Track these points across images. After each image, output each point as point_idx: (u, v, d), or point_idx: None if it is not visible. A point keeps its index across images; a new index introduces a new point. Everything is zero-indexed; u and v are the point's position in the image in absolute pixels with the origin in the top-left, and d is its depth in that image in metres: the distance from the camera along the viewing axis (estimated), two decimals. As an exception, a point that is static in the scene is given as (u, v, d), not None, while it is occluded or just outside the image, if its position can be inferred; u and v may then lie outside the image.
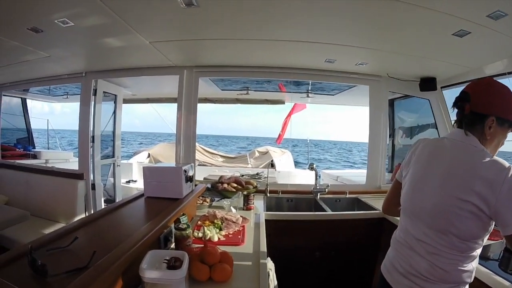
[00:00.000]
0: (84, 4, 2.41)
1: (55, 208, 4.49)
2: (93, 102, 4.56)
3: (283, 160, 8.81)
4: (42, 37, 3.05)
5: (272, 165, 8.45)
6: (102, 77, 4.58)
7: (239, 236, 2.34)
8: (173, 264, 1.41)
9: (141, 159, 8.78)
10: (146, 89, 6.39)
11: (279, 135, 9.27)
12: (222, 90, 5.79)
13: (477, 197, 1.28)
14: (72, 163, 7.43)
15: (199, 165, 8.54)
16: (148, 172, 2.39)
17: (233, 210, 2.98)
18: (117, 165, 5.27)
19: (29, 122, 7.93)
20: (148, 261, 1.42)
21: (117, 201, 5.11)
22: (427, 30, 2.62)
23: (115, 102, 5.25)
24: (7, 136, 6.95)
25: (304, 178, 7.29)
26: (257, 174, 5.21)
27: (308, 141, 10.38)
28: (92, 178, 4.58)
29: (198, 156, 9.04)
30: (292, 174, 7.65)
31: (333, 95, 5.90)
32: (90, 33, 3.01)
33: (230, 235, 2.35)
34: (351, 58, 3.64)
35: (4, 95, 6.05)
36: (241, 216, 2.66)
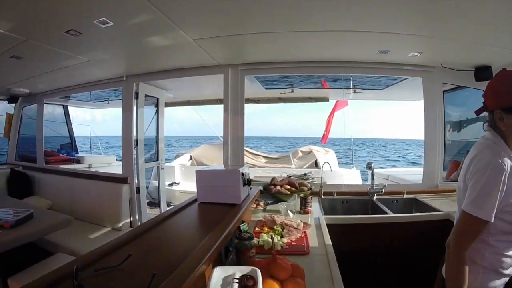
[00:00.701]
0: (125, 1, 2.29)
1: (99, 212, 4.49)
2: (135, 106, 4.50)
3: (327, 159, 8.53)
4: (81, 41, 2.98)
5: (316, 164, 8.18)
6: (143, 80, 4.52)
7: (303, 244, 2.14)
8: (246, 284, 1.23)
9: (183, 161, 8.73)
10: (187, 92, 6.30)
11: (324, 134, 9.00)
12: (266, 89, 5.57)
13: None
14: (115, 167, 7.50)
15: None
16: (202, 176, 2.21)
17: (291, 214, 2.78)
18: (161, 168, 5.19)
19: (72, 129, 8.07)
20: (216, 280, 1.24)
21: (161, 203, 5.08)
22: (490, 12, 2.35)
23: (156, 106, 5.18)
24: (50, 143, 7.02)
25: (350, 178, 7.02)
26: (305, 174, 4.98)
27: (352, 139, 10.00)
28: (136, 182, 4.52)
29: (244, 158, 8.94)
30: (338, 174, 7.38)
31: (380, 89, 5.59)
32: (131, 32, 2.90)
33: (293, 243, 2.16)
34: (405, 48, 3.38)
35: (46, 103, 6.15)
36: (301, 221, 2.45)
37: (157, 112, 5.19)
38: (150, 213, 4.80)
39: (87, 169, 6.70)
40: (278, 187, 3.30)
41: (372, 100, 7.60)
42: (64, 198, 5.05)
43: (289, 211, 2.82)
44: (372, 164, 3.86)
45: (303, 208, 2.97)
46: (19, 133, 6.82)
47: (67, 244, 3.70)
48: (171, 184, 6.25)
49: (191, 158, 9.02)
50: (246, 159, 8.72)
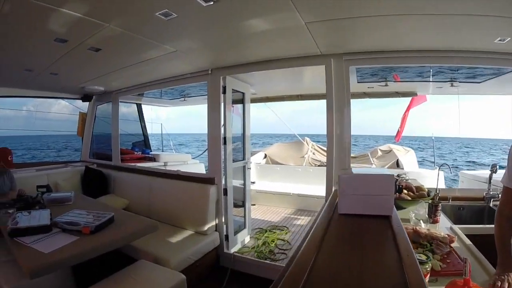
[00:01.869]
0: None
1: (182, 214, 4.37)
2: (222, 102, 4.26)
3: (408, 159, 8.00)
4: (171, 26, 2.74)
5: (397, 165, 7.72)
6: (230, 73, 4.26)
7: (458, 262, 1.81)
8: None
9: (257, 159, 8.56)
10: (270, 87, 6.00)
11: (398, 131, 8.51)
12: (359, 82, 5.18)
13: None
14: (190, 165, 7.56)
15: (319, 165, 8.08)
16: (348, 182, 1.87)
17: (422, 224, 2.40)
18: (248, 168, 4.97)
19: (145, 126, 8.10)
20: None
21: (246, 204, 4.94)
22: None
23: (242, 101, 4.92)
24: (122, 141, 7.01)
25: (434, 179, 6.50)
26: (398, 176, 4.54)
27: (433, 138, 9.37)
28: (224, 183, 4.28)
29: (319, 156, 8.59)
30: (421, 175, 6.85)
31: (479, 82, 4.99)
32: (233, 11, 2.53)
33: (448, 261, 1.83)
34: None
35: (121, 102, 6.14)
36: (446, 234, 2.10)
37: (243, 108, 4.94)
38: (235, 215, 4.56)
39: (162, 167, 6.69)
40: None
41: (470, 94, 6.92)
42: (141, 198, 5.00)
43: (421, 221, 2.45)
44: (497, 166, 3.38)
45: (433, 217, 2.61)
46: (92, 131, 6.94)
47: (149, 250, 3.56)
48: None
49: (265, 157, 8.86)
50: (323, 158, 8.41)
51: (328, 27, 2.83)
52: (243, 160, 4.90)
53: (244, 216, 4.96)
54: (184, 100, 7.09)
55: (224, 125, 4.26)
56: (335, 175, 3.50)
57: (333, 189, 3.33)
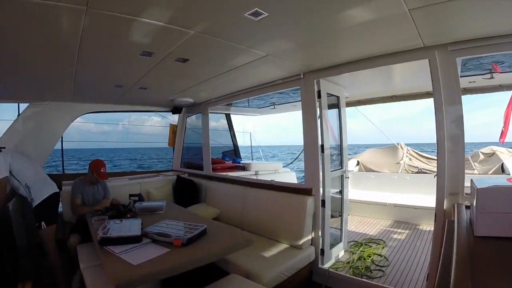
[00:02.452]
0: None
1: (275, 227, 4.16)
2: (318, 107, 3.99)
3: (513, 163, 7.08)
4: (260, 27, 2.52)
5: (502, 170, 6.94)
6: (323, 76, 3.96)
7: None
8: None
9: (350, 167, 8.04)
10: (363, 88, 5.57)
11: (502, 131, 7.55)
12: (462, 77, 4.54)
13: None
14: (281, 174, 7.38)
15: (417, 172, 7.49)
16: (490, 196, 1.51)
17: None
18: (346, 177, 4.67)
19: (234, 136, 8.07)
20: None
21: (343, 215, 4.66)
22: None
23: (338, 105, 4.61)
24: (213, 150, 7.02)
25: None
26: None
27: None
28: (321, 194, 3.99)
29: (416, 162, 7.96)
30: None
31: None
32: (327, 2, 2.22)
33: None
34: None
35: (211, 112, 6.18)
36: None
37: (339, 113, 4.63)
38: (330, 227, 4.24)
39: (253, 176, 6.63)
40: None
41: None
42: (234, 208, 4.89)
43: None
44: None
45: None
46: (183, 142, 7.11)
47: (241, 263, 3.36)
48: (339, 192, 5.65)
49: (358, 164, 8.42)
50: (420, 164, 7.79)
51: (434, 13, 2.39)
52: (340, 168, 4.58)
53: (341, 229, 4.64)
54: (274, 108, 6.91)
55: (321, 132, 3.98)
56: (448, 185, 3.03)
57: (445, 202, 3.00)
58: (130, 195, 4.35)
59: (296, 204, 3.95)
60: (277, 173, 7.39)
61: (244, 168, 7.07)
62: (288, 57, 3.51)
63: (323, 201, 3.99)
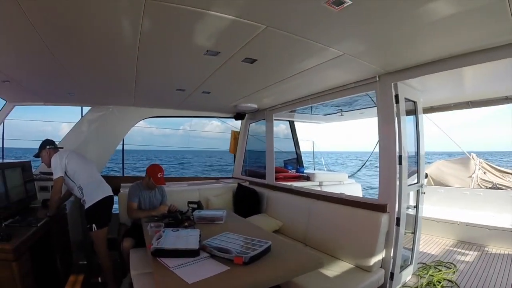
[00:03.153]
0: None
1: (343, 245, 3.78)
2: (395, 114, 3.56)
3: None
4: (342, 19, 2.20)
5: None
6: (401, 78, 3.54)
7: None
8: None
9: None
10: (438, 93, 4.89)
11: None
12: None
13: None
14: (346, 186, 6.99)
15: (491, 188, 6.86)
16: None
17: None
18: (422, 192, 4.19)
19: (298, 144, 7.73)
20: None
21: (416, 234, 4.20)
22: None
23: (414, 112, 4.10)
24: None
25: None
26: None
27: None
28: (397, 210, 3.55)
29: (490, 176, 7.23)
30: None
31: None
32: None
33: None
34: None
35: (275, 119, 5.94)
36: None
37: (416, 120, 4.14)
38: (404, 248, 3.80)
39: (317, 187, 6.24)
40: None
41: None
42: (297, 221, 4.56)
43: None
44: None
45: None
46: (245, 149, 6.93)
47: (303, 283, 3.02)
48: (413, 207, 5.18)
49: (426, 176, 7.72)
50: (495, 179, 7.07)
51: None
52: (417, 183, 4.12)
53: (412, 250, 4.18)
54: (341, 115, 6.52)
55: (399, 141, 3.54)
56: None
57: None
58: (189, 202, 4.22)
59: (368, 222, 3.55)
60: (341, 185, 6.98)
61: (307, 178, 6.70)
62: (365, 57, 3.13)
63: (398, 219, 3.54)
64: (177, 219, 3.56)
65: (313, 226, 4.26)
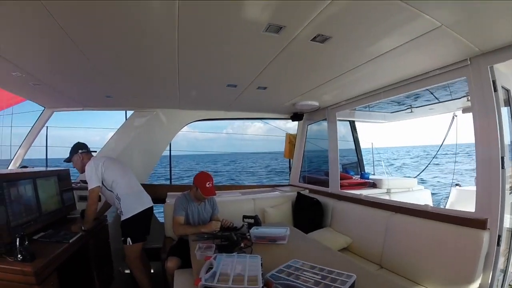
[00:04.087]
0: None
1: (427, 267, 3.18)
2: (495, 104, 2.86)
3: None
4: None
5: None
6: (500, 59, 2.83)
7: None
8: None
9: None
10: None
11: None
12: None
13: None
14: (415, 193, 6.34)
15: None
16: None
17: None
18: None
19: (359, 146, 7.10)
20: None
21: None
22: None
23: (508, 102, 3.25)
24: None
25: None
26: None
27: None
28: (498, 227, 2.85)
29: None
30: None
31: None
32: None
33: None
34: None
35: (339, 120, 5.35)
36: None
37: (511, 113, 3.34)
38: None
39: (384, 195, 5.65)
40: None
41: None
42: (371, 237, 3.95)
43: None
44: None
45: None
46: (304, 153, 6.35)
47: None
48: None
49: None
50: None
51: None
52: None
53: (505, 272, 3.27)
54: (411, 111, 5.85)
55: (500, 139, 2.83)
56: None
57: None
58: (245, 217, 3.73)
59: (463, 241, 2.91)
60: (410, 192, 6.29)
61: (373, 184, 6.09)
62: (462, 29, 2.43)
63: (499, 238, 2.85)
64: (231, 241, 3.01)
65: (391, 245, 3.64)
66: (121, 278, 4.55)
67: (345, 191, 5.11)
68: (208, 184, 3.74)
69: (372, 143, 8.79)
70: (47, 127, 5.75)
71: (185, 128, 6.00)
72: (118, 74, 3.56)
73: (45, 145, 6.01)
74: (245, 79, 3.70)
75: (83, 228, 3.50)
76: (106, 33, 2.43)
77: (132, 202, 3.81)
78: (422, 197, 6.36)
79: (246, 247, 2.99)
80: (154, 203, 4.15)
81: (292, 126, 6.60)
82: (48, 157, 6.09)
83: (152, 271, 4.41)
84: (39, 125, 5.44)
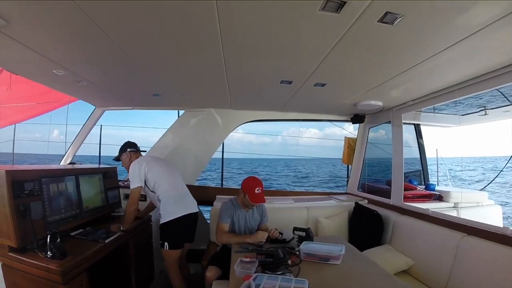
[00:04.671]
0: None
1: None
2: None
3: None
4: None
5: None
6: None
7: None
8: None
9: None
10: None
11: None
12: None
13: None
14: (484, 208, 5.55)
15: None
16: None
17: None
18: None
19: (424, 153, 6.46)
20: None
21: None
22: None
23: None
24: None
25: None
26: None
27: None
28: None
29: None
30: None
31: None
32: None
33: None
34: None
35: (405, 123, 4.78)
36: None
37: None
38: None
39: (451, 210, 5.06)
40: None
41: None
42: (436, 261, 3.37)
43: None
44: None
45: None
46: (364, 159, 5.83)
47: None
48: None
49: None
50: None
51: None
52: None
53: None
54: (485, 114, 5.07)
55: None
56: None
57: None
58: (296, 229, 3.34)
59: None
60: (479, 207, 5.51)
61: (440, 197, 5.38)
62: None
63: None
64: (277, 257, 2.58)
65: (461, 273, 3.06)
66: (162, 279, 4.39)
67: (408, 203, 4.49)
68: (258, 190, 3.43)
69: (436, 150, 8.06)
70: (101, 125, 6.00)
71: (240, 132, 5.81)
72: (163, 73, 3.42)
73: (103, 143, 6.41)
74: (300, 74, 3.29)
75: (122, 228, 3.43)
76: (147, 35, 2.40)
77: (172, 205, 3.66)
78: (492, 215, 5.58)
79: (294, 265, 2.63)
80: (202, 204, 4.06)
81: (348, 132, 6.19)
82: (105, 155, 6.28)
83: (192, 271, 4.34)
84: (90, 123, 5.52)
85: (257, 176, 3.68)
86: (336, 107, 5.02)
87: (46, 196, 2.89)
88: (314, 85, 3.62)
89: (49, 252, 2.45)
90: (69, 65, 3.14)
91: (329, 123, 6.11)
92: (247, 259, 2.64)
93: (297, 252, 2.90)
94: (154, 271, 4.36)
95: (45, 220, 2.82)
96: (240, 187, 3.64)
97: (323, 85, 3.61)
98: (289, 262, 2.62)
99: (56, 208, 3.03)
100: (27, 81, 3.86)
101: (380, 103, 4.49)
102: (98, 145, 6.54)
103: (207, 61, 2.98)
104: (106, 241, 3.04)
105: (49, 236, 2.50)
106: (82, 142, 5.62)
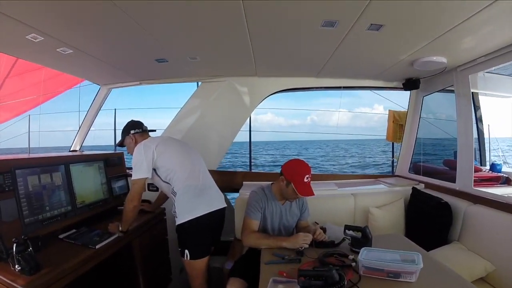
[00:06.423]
0: None
1: None
2: None
3: None
4: None
5: None
6: None
7: None
8: None
9: None
10: None
11: None
12: None
13: None
14: None
15: None
16: None
17: None
18: None
19: (481, 127, 5.52)
20: None
21: None
22: None
23: None
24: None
25: None
26: None
27: None
28: None
29: None
30: None
31: None
32: None
33: None
34: None
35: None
36: None
37: None
38: None
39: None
40: None
41: None
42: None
43: None
44: None
45: None
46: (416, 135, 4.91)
47: None
48: None
49: None
50: None
51: None
52: None
53: None
54: None
55: None
56: None
57: None
58: (347, 228, 2.51)
59: None
60: None
61: (507, 180, 4.22)
62: None
63: None
64: (330, 280, 1.74)
65: None
66: (180, 279, 3.83)
67: (482, 189, 3.54)
68: (307, 178, 2.60)
69: (488, 126, 7.03)
70: (115, 109, 5.90)
71: (269, 114, 5.08)
72: (166, 27, 2.75)
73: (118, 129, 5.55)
74: (350, 9, 2.38)
75: (120, 228, 2.76)
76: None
77: (191, 201, 2.79)
78: None
79: (351, 287, 1.83)
80: (227, 191, 3.50)
81: (380, 112, 5.32)
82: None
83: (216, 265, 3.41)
84: (96, 104, 5.09)
85: (303, 159, 2.84)
86: (387, 67, 3.99)
87: (22, 192, 2.43)
88: (368, 29, 2.69)
89: (17, 265, 1.93)
90: (68, 39, 2.89)
91: (358, 104, 5.25)
92: (283, 279, 1.91)
93: (353, 264, 2.11)
94: (171, 271, 3.77)
95: (22, 222, 2.35)
96: (280, 172, 2.77)
97: (378, 28, 2.67)
98: (345, 282, 1.79)
99: (38, 206, 2.54)
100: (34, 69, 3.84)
101: (444, 60, 3.49)
102: (113, 131, 5.97)
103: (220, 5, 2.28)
104: (97, 246, 2.46)
105: (15, 245, 1.97)
106: (90, 127, 5.23)
